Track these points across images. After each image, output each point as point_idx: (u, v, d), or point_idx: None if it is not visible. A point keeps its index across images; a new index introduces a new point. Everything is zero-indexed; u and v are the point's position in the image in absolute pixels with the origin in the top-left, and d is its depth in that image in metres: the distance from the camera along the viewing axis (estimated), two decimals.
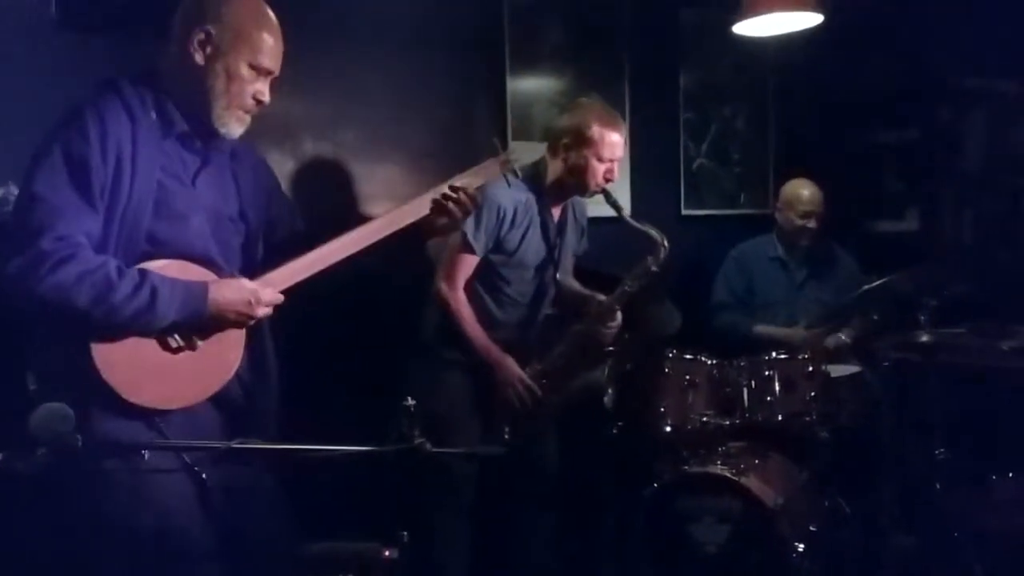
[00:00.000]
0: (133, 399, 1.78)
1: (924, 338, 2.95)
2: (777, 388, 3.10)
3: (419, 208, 2.10)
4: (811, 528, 2.86)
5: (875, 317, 3.46)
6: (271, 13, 1.98)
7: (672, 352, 3.19)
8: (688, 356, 3.19)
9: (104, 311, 1.72)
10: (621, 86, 3.94)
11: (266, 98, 1.96)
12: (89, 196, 1.76)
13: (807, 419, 3.09)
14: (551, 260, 2.89)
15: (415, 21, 3.30)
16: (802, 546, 2.72)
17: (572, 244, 3.02)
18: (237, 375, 1.96)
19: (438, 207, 2.09)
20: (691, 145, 4.25)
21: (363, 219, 2.09)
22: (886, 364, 3.25)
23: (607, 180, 2.79)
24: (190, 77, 1.90)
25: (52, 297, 1.69)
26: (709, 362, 3.18)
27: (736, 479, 2.75)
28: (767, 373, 3.11)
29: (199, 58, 1.89)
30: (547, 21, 3.71)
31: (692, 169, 4.27)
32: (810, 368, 3.13)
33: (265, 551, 2.00)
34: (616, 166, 2.81)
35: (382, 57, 3.22)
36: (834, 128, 4.37)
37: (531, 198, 2.80)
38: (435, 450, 1.68)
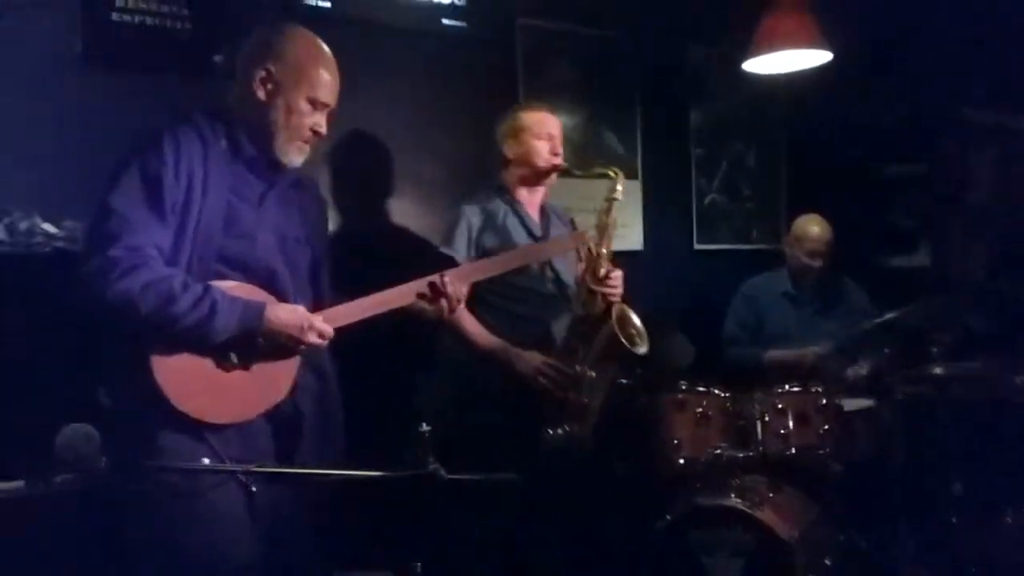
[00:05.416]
0: (181, 407, 1.84)
1: (937, 371, 2.95)
2: (790, 421, 3.09)
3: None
4: (826, 562, 2.84)
5: (886, 351, 3.46)
6: (327, 49, 2.11)
7: (685, 385, 3.19)
8: (701, 388, 3.18)
9: (165, 320, 1.81)
10: (633, 122, 4.00)
11: (323, 130, 2.10)
12: (161, 211, 1.87)
13: (820, 452, 3.07)
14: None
15: (431, 58, 3.38)
16: None
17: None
18: (294, 400, 2.02)
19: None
20: (702, 181, 4.29)
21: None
22: (899, 398, 3.24)
23: (554, 155, 2.91)
24: (254, 112, 2.04)
25: (118, 302, 1.79)
26: (722, 395, 3.17)
27: (750, 512, 2.73)
28: (780, 406, 3.11)
29: (261, 94, 2.03)
30: (559, 59, 3.78)
31: (704, 204, 4.30)
32: (823, 401, 3.13)
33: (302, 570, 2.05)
34: (557, 142, 2.93)
35: (399, 93, 3.29)
36: (845, 163, 4.40)
37: (498, 203, 2.92)
38: (450, 476, 1.69)
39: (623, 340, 2.70)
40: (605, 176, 2.91)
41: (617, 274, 2.83)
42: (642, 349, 2.76)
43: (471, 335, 2.78)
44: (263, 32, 2.11)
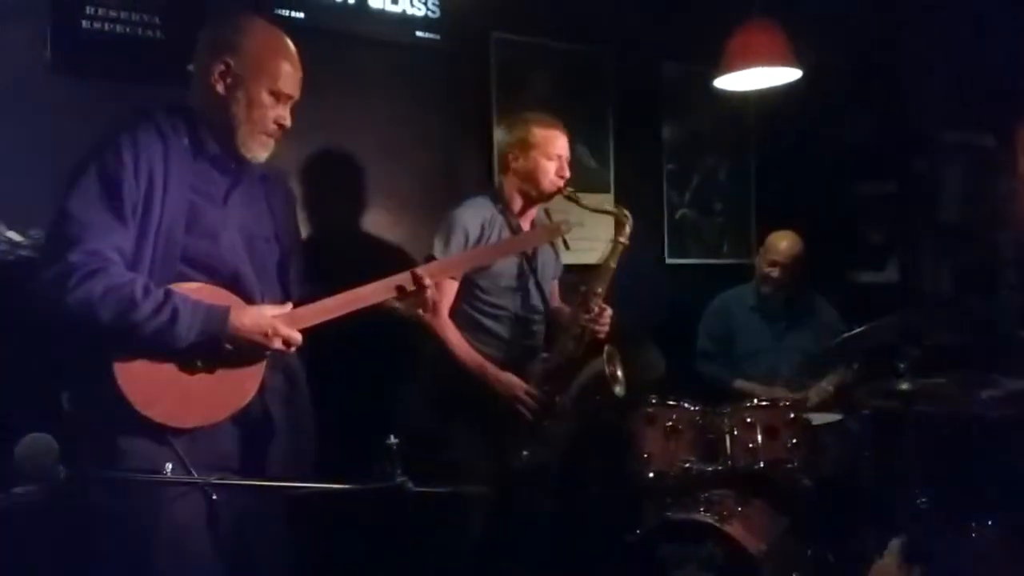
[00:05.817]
0: (145, 411, 1.81)
1: (904, 386, 2.98)
2: (759, 435, 3.11)
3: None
4: (793, 575, 2.86)
5: (855, 366, 3.49)
6: (288, 40, 2.06)
7: (656, 398, 3.20)
8: (672, 402, 3.20)
9: (125, 326, 1.77)
10: (605, 137, 4.01)
11: (287, 122, 2.04)
12: (121, 213, 1.83)
13: (789, 466, 3.09)
14: (530, 269, 2.92)
15: (404, 70, 3.38)
16: None
17: (550, 264, 3.04)
18: (263, 400, 1.98)
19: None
20: (674, 195, 4.32)
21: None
22: (866, 412, 3.27)
23: (560, 176, 2.88)
24: (215, 107, 1.98)
25: (78, 308, 1.75)
26: (692, 408, 3.19)
27: (719, 526, 2.74)
28: (749, 420, 3.13)
29: (221, 88, 1.97)
30: (533, 73, 3.79)
31: (675, 219, 4.33)
32: (791, 415, 3.15)
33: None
34: (564, 163, 2.90)
35: (372, 105, 3.29)
36: (815, 180, 4.44)
37: (495, 214, 2.88)
38: (417, 489, 1.68)
39: (608, 379, 2.75)
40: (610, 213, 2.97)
41: (608, 313, 2.85)
42: (620, 391, 2.81)
43: (454, 348, 2.77)
44: (220, 25, 2.05)
